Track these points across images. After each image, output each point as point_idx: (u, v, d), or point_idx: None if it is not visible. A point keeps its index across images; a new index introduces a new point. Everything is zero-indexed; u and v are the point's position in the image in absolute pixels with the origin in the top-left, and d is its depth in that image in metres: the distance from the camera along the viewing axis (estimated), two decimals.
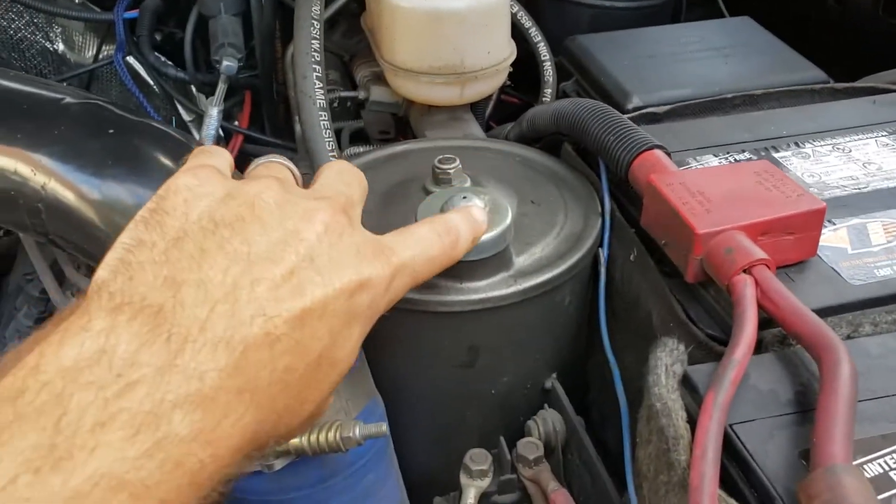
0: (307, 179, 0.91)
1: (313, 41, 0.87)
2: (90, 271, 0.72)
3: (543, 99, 1.02)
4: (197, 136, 1.18)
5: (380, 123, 1.05)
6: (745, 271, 0.52)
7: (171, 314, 0.37)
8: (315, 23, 0.87)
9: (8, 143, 0.56)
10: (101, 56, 1.26)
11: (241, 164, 1.21)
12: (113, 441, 0.33)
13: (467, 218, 0.54)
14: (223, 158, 0.49)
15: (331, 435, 0.51)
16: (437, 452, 0.66)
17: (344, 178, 0.49)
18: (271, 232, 0.41)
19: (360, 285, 0.43)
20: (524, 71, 1.12)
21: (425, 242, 0.49)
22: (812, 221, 0.56)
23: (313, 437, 0.51)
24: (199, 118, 1.21)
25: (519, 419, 0.65)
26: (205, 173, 0.43)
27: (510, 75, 1.09)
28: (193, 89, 1.24)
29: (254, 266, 0.39)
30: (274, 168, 0.49)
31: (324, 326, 0.41)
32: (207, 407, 0.36)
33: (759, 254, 0.52)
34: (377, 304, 0.45)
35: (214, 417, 0.36)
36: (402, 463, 0.63)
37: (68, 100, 0.57)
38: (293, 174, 0.50)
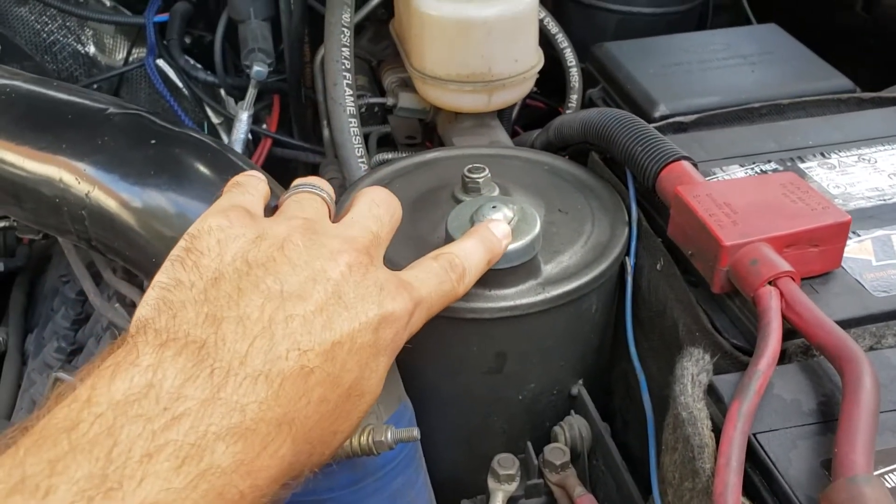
0: (335, 184, 0.93)
1: (343, 48, 0.88)
2: (127, 275, 0.74)
3: (569, 105, 1.03)
4: (226, 140, 1.19)
5: (407, 129, 1.07)
6: (770, 283, 0.53)
7: (214, 349, 0.39)
8: (345, 30, 0.89)
9: (53, 152, 0.58)
10: (131, 59, 1.28)
11: (270, 167, 1.23)
12: (160, 472, 0.34)
13: (481, 243, 0.55)
14: (256, 194, 0.51)
15: (363, 439, 0.52)
16: (464, 455, 0.68)
17: (375, 212, 0.51)
18: (300, 271, 0.44)
19: (383, 319, 0.45)
20: (550, 76, 1.13)
21: (438, 278, 0.51)
22: (837, 234, 0.57)
23: (346, 441, 0.52)
24: (228, 121, 1.23)
25: (545, 424, 0.66)
26: (235, 214, 0.46)
27: (536, 80, 1.10)
28: (223, 92, 1.26)
29: (287, 302, 0.42)
30: (306, 202, 0.51)
31: (353, 359, 0.43)
32: (248, 438, 0.37)
33: (784, 266, 0.53)
34: (400, 336, 0.47)
35: (254, 449, 0.38)
36: (429, 464, 0.64)
37: (112, 110, 0.59)
38: (326, 202, 0.52)
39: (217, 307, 0.40)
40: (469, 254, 0.54)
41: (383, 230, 0.50)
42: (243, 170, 0.57)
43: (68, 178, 0.57)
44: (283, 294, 0.42)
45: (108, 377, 0.37)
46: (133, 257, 0.57)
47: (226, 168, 0.57)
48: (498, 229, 0.57)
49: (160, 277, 0.42)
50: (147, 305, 0.41)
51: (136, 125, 0.58)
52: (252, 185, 0.51)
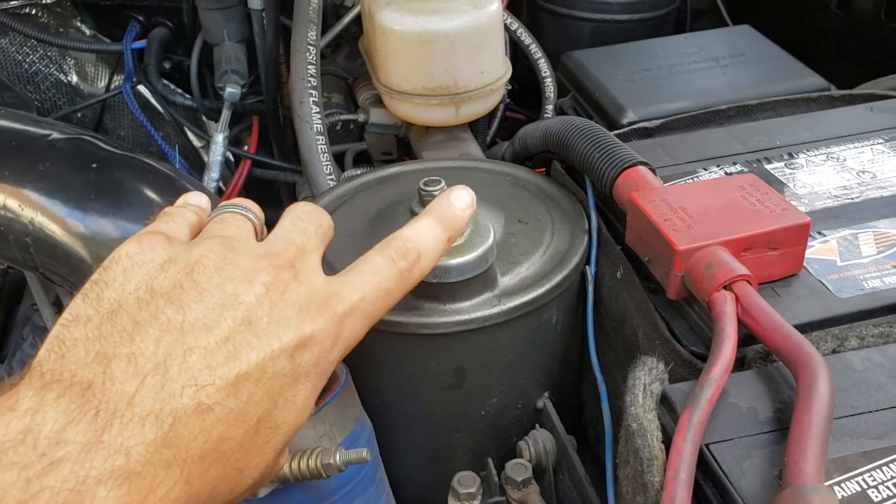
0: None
1: (309, 66, 0.88)
2: None
3: (545, 115, 1.02)
4: (206, 161, 1.19)
5: (382, 145, 1.06)
6: (725, 287, 0.51)
7: (101, 390, 0.36)
8: (311, 48, 0.88)
9: None
10: (112, 86, 1.28)
11: (251, 188, 1.21)
12: None
13: (437, 220, 0.51)
14: (182, 221, 0.48)
15: (312, 462, 0.51)
16: (429, 473, 0.66)
17: (299, 226, 0.48)
18: (209, 297, 0.41)
19: (301, 343, 0.42)
20: (528, 87, 1.12)
21: (378, 276, 0.47)
22: (796, 236, 0.56)
23: (294, 465, 0.51)
24: (209, 144, 1.22)
25: (511, 439, 0.65)
26: (148, 239, 0.43)
27: (516, 92, 1.09)
28: (203, 116, 1.26)
29: (187, 335, 0.39)
30: (229, 221, 0.48)
31: (261, 390, 0.40)
32: (133, 482, 0.35)
33: (740, 269, 0.52)
34: (325, 358, 0.44)
35: (140, 492, 0.36)
36: (393, 483, 0.63)
37: (55, 135, 0.58)
38: (252, 221, 0.49)
39: (109, 344, 0.38)
40: (422, 235, 0.50)
41: (310, 241, 0.47)
42: (188, 191, 0.56)
43: (12, 205, 0.57)
44: (185, 325, 0.39)
45: None
46: (77, 283, 0.56)
47: (169, 190, 0.56)
48: (458, 199, 0.53)
49: (64, 314, 0.40)
50: (44, 346, 0.39)
51: (78, 150, 0.57)
52: (180, 213, 0.48)
